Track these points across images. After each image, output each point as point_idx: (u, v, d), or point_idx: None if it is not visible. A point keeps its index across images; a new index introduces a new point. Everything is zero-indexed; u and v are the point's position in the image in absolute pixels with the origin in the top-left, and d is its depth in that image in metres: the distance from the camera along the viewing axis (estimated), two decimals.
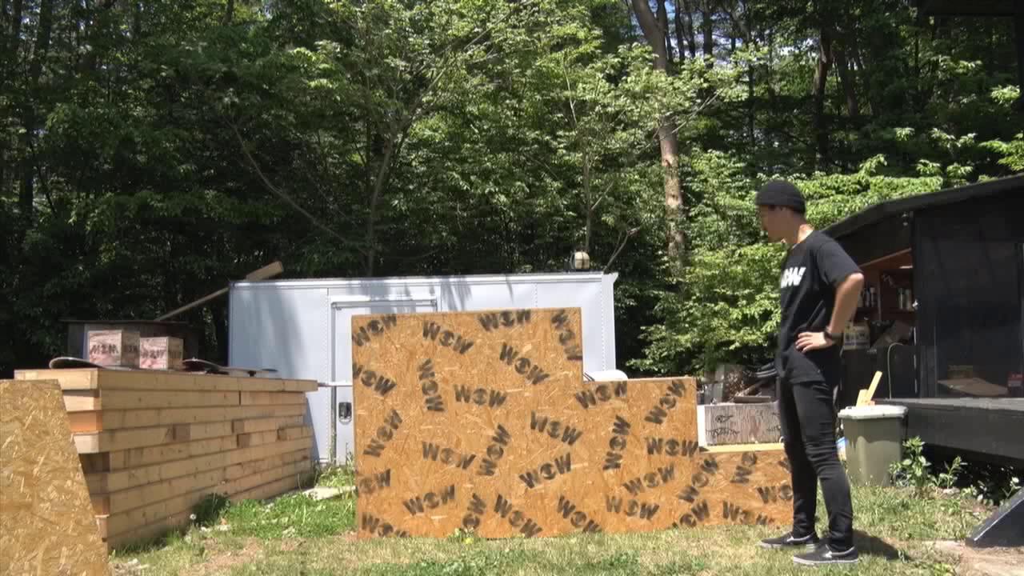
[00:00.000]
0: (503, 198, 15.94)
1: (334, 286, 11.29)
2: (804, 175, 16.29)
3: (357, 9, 13.69)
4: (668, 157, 18.58)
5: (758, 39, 24.93)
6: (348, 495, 7.34)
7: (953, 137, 15.41)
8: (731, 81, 15.68)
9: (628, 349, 15.67)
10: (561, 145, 16.26)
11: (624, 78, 15.29)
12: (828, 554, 4.55)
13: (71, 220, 14.84)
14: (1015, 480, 6.02)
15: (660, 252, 17.67)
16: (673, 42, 28.11)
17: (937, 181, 13.87)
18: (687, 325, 15.11)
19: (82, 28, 17.92)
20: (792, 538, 4.91)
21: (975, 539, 4.98)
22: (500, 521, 5.67)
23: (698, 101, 15.84)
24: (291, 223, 16.45)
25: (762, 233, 15.26)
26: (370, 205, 15.70)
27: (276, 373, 9.89)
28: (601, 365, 10.08)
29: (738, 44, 26.56)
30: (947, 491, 6.46)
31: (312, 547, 5.38)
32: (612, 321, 10.80)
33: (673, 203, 18.44)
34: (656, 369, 15.32)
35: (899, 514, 5.85)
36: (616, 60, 15.54)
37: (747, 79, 22.36)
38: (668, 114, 15.78)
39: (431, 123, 18.36)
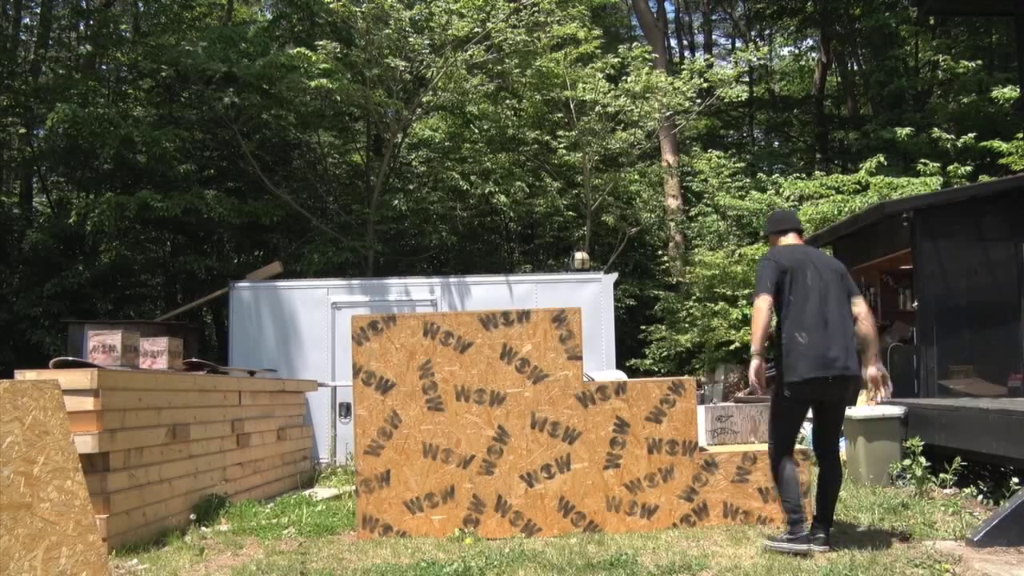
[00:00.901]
0: (503, 198, 15.94)
1: (334, 286, 11.28)
2: (804, 175, 16.29)
3: (357, 9, 13.69)
4: (668, 157, 18.58)
5: (758, 39, 24.93)
6: (348, 495, 7.34)
7: (953, 137, 15.41)
8: (731, 81, 15.68)
9: (628, 349, 15.67)
10: (561, 145, 16.26)
11: (624, 78, 15.29)
12: (783, 536, 4.83)
13: (71, 220, 14.83)
14: (1015, 480, 6.02)
15: (660, 252, 17.67)
16: (673, 42, 28.13)
17: (937, 181, 13.87)
18: (687, 325, 15.11)
19: (82, 28, 17.92)
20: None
21: (975, 539, 4.98)
22: (500, 521, 5.67)
23: (698, 101, 15.84)
24: (291, 223, 16.45)
25: (762, 233, 15.28)
26: (370, 205, 15.71)
27: (276, 373, 9.89)
28: (601, 365, 10.07)
29: (738, 44, 26.55)
30: (947, 491, 6.46)
31: (312, 547, 5.38)
32: (612, 321, 10.81)
33: (673, 203, 18.45)
34: (656, 369, 15.32)
35: (899, 514, 5.85)
36: (616, 60, 15.53)
37: (747, 79, 22.35)
38: (668, 114, 15.78)
39: (431, 123, 18.36)
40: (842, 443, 8.13)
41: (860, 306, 4.92)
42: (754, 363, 4.72)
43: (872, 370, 4.85)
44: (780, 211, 5.56)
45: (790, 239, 5.14)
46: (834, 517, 5.03)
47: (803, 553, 4.64)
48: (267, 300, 11.09)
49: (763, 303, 4.73)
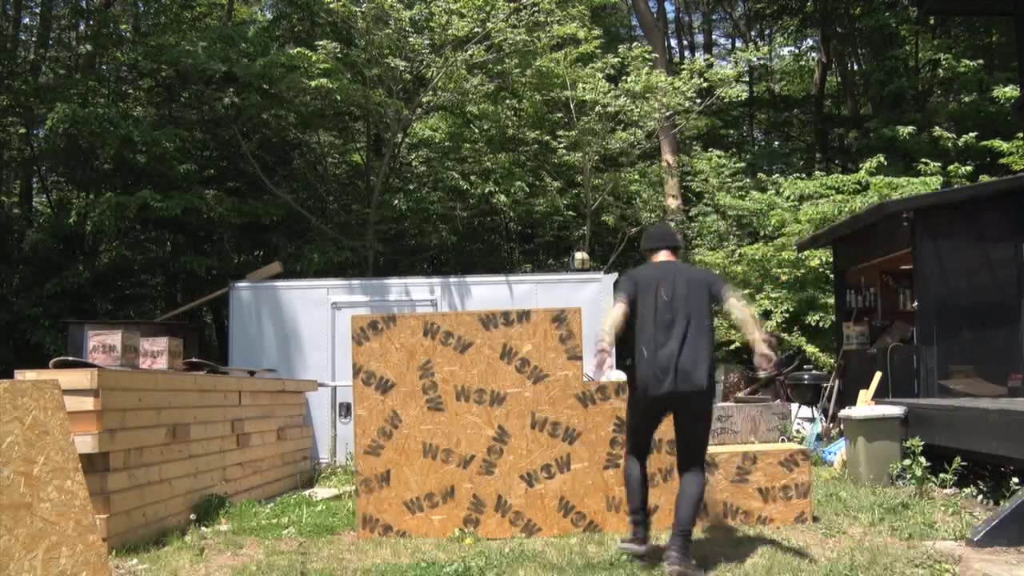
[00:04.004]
0: (503, 198, 15.93)
1: (334, 286, 11.28)
2: (804, 175, 16.28)
3: (357, 9, 13.68)
4: (668, 157, 18.57)
5: (758, 39, 24.91)
6: (348, 495, 7.34)
7: (954, 136, 15.39)
8: (731, 81, 15.66)
9: (628, 349, 15.63)
10: (561, 145, 16.25)
11: (624, 78, 15.28)
12: (625, 536, 5.02)
13: (71, 220, 14.82)
14: (1015, 480, 6.02)
15: None
16: (673, 42, 28.09)
17: (937, 181, 13.86)
18: None
19: (82, 28, 17.91)
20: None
21: (975, 539, 4.98)
22: (500, 521, 5.66)
23: (698, 101, 15.83)
24: (291, 223, 16.44)
25: (762, 233, 15.28)
26: (370, 205, 15.70)
27: (276, 373, 9.88)
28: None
29: (738, 44, 26.54)
30: (947, 491, 6.46)
31: (312, 547, 5.38)
32: None
33: (673, 203, 18.44)
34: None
35: (899, 514, 5.85)
36: (616, 60, 15.52)
37: (747, 79, 22.33)
38: (668, 114, 15.76)
39: (431, 123, 18.35)
40: (842, 443, 8.17)
41: (731, 301, 4.92)
42: (602, 344, 4.78)
43: (760, 349, 4.78)
44: (656, 227, 5.62)
45: (661, 256, 5.15)
46: (692, 527, 4.73)
47: (631, 553, 4.77)
48: (267, 300, 11.08)
49: (615, 308, 4.91)
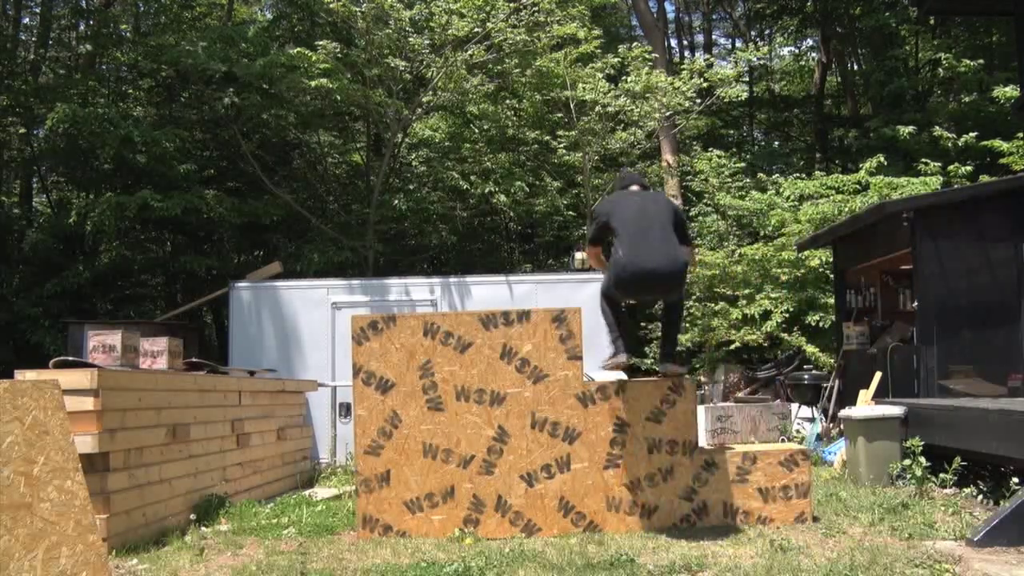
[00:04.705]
0: (503, 198, 15.94)
1: (334, 286, 11.29)
2: (804, 175, 16.28)
3: (357, 9, 13.69)
4: (668, 157, 18.57)
5: (758, 39, 24.93)
6: (348, 495, 7.34)
7: (954, 136, 15.38)
8: (731, 81, 15.67)
9: (628, 348, 15.63)
10: (561, 145, 16.26)
11: (624, 78, 15.29)
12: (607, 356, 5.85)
13: (71, 220, 14.84)
14: (1015, 480, 6.02)
15: None
16: (673, 42, 28.09)
17: (937, 181, 13.86)
18: (687, 325, 15.08)
19: (82, 28, 17.94)
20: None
21: (975, 539, 4.98)
22: (500, 521, 5.66)
23: (698, 101, 15.83)
24: (291, 223, 16.46)
25: (762, 233, 15.28)
26: (370, 205, 15.71)
27: (276, 373, 9.88)
28: None
29: (738, 44, 26.55)
30: (947, 491, 6.46)
31: (312, 547, 5.38)
32: None
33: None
34: (656, 369, 15.28)
35: (899, 514, 5.85)
36: (616, 60, 15.52)
37: (747, 79, 22.33)
38: (668, 114, 15.77)
39: (431, 123, 18.37)
40: (842, 443, 8.17)
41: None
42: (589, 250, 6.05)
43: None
44: (626, 170, 6.60)
45: (633, 188, 5.98)
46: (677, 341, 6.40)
47: (616, 365, 5.74)
48: (267, 300, 11.09)
49: (590, 253, 6.21)
